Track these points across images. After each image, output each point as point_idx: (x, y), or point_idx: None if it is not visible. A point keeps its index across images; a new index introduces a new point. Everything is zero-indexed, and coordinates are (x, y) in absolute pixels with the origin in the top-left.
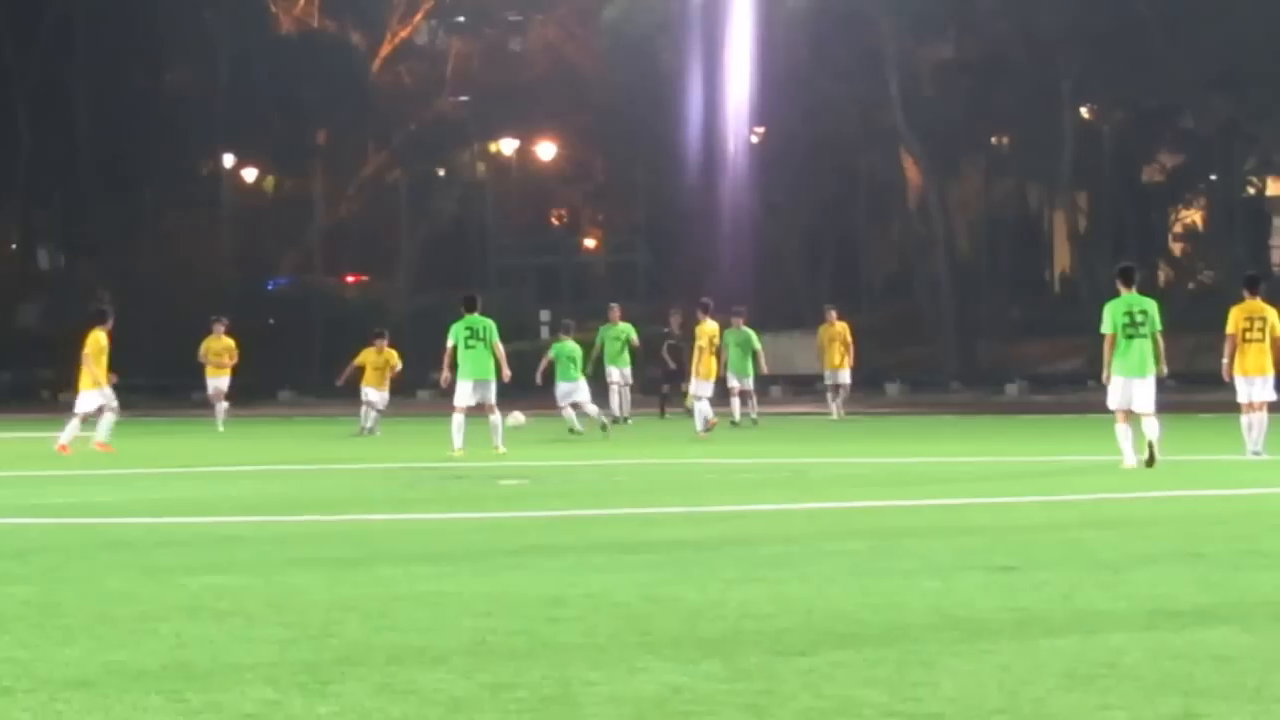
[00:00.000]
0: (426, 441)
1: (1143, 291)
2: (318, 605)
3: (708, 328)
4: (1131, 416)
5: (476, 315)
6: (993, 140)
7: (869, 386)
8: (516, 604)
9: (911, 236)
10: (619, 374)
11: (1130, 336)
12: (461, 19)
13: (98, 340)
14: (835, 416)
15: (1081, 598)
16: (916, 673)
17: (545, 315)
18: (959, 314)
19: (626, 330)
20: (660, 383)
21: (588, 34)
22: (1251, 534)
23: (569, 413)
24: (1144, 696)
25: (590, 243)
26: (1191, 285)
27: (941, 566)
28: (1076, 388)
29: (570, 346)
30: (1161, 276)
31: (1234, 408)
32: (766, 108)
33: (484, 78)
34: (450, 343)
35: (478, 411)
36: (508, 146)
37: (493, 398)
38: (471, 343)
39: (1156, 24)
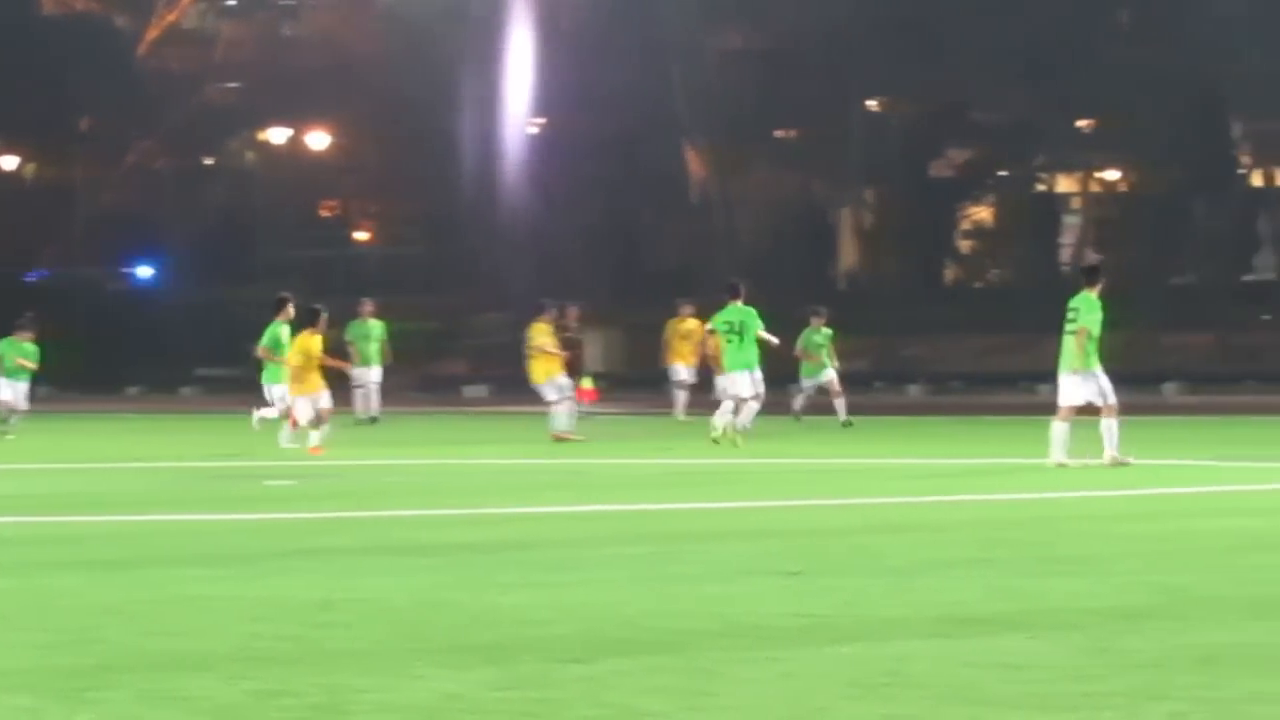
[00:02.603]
0: (193, 440)
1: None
2: (79, 609)
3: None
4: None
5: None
6: (779, 133)
7: (651, 384)
8: (285, 608)
9: (695, 230)
10: (374, 373)
11: (1067, 333)
12: (233, 2)
13: None
14: (680, 419)
15: (868, 604)
16: (698, 681)
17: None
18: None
19: (378, 327)
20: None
21: (364, 21)
22: (1042, 540)
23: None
24: (931, 705)
25: (363, 235)
26: (980, 284)
27: (726, 571)
28: (863, 388)
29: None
30: (949, 274)
31: (1024, 408)
32: (549, 98)
33: (255, 64)
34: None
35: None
36: (279, 135)
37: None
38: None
39: (947, 17)
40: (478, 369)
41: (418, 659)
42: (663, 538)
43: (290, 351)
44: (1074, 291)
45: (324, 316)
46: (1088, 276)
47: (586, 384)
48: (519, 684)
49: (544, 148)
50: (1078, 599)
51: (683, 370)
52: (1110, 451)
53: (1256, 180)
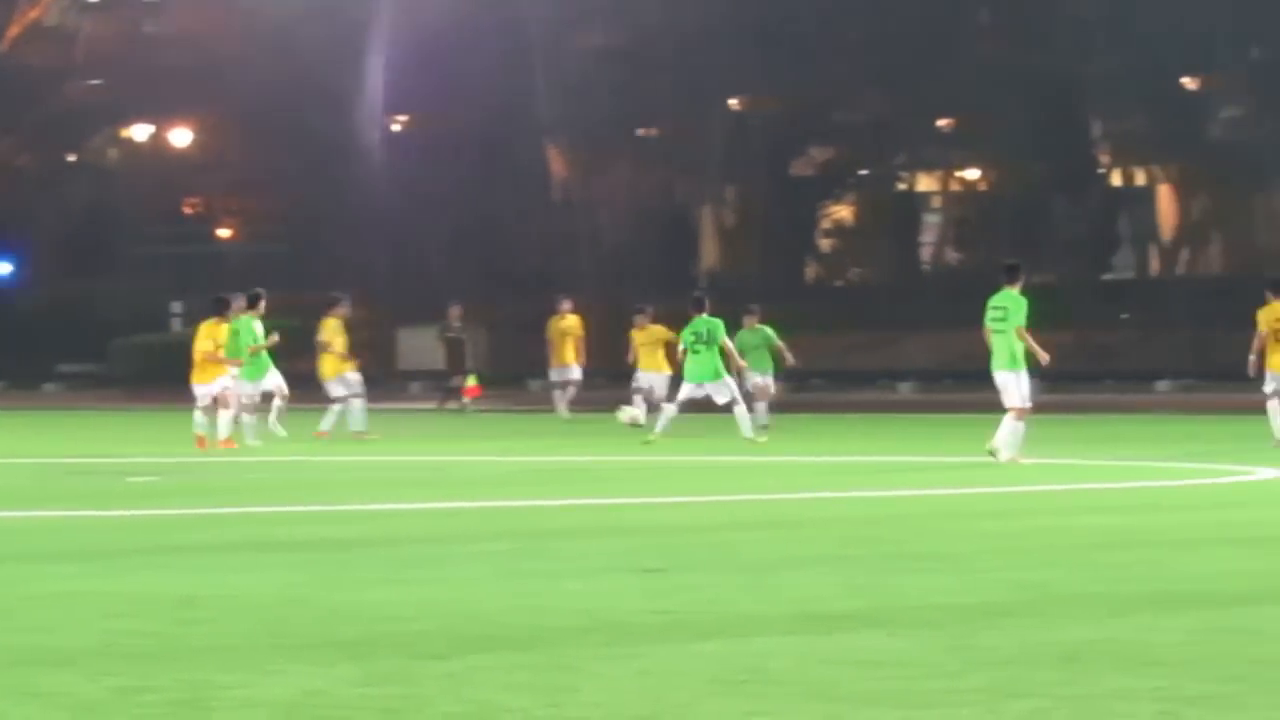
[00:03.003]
0: (54, 436)
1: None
2: None
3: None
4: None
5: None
6: (641, 132)
7: (517, 384)
8: (147, 604)
9: (557, 229)
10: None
11: (994, 332)
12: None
13: None
14: (564, 416)
15: (728, 601)
16: (559, 677)
17: (178, 307)
18: (605, 308)
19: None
20: (451, 375)
21: (227, 18)
22: (902, 537)
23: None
24: (791, 702)
25: (226, 232)
26: (840, 282)
27: (586, 568)
28: None
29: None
30: (810, 273)
31: (884, 406)
32: (411, 95)
33: (117, 61)
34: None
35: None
36: (141, 132)
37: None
38: None
39: (809, 17)
40: None
41: (280, 655)
42: (524, 534)
43: (199, 339)
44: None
45: (263, 301)
46: (1009, 275)
47: (471, 381)
48: (381, 680)
49: (407, 145)
50: (937, 596)
51: (562, 368)
52: (1001, 443)
53: (1116, 180)
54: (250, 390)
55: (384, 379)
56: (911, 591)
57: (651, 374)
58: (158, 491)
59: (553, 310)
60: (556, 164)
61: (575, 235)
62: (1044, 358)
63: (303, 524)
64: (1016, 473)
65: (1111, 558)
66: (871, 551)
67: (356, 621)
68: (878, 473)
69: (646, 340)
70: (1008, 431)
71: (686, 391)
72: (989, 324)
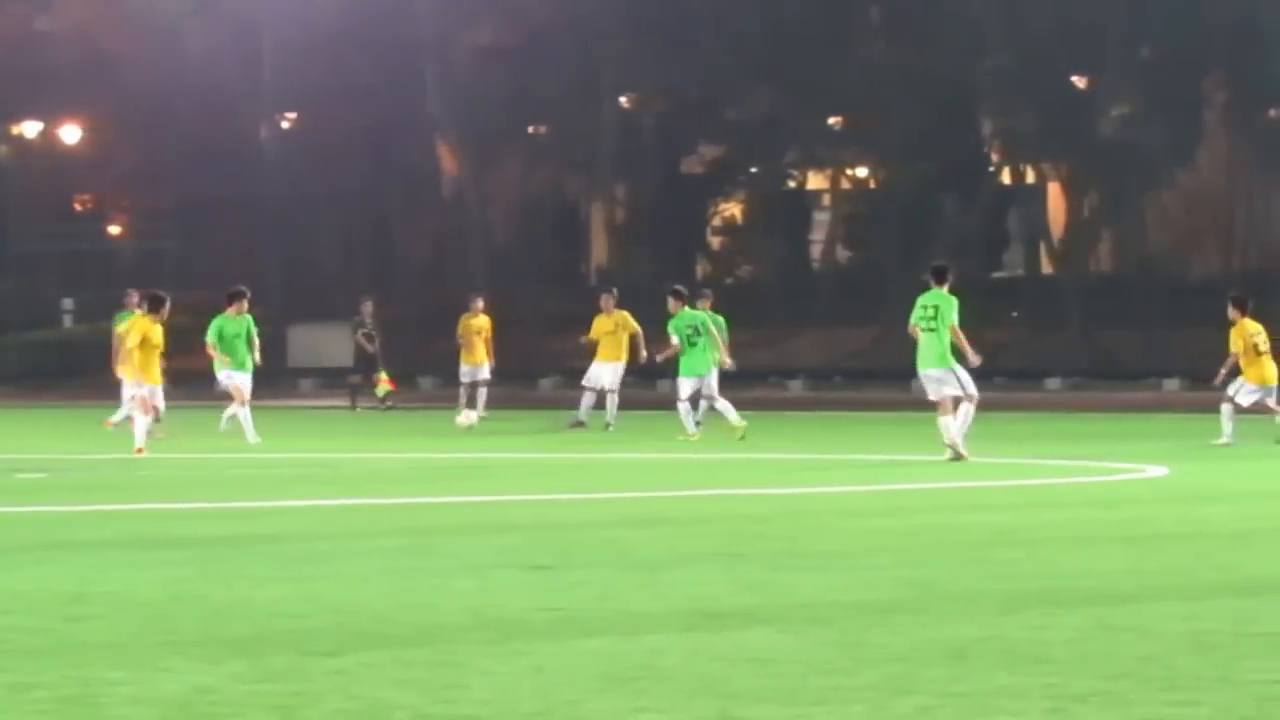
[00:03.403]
0: None
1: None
2: None
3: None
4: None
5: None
6: (531, 129)
7: (401, 380)
8: (36, 601)
9: (448, 226)
10: None
11: (924, 330)
12: None
13: None
14: (478, 416)
15: (618, 598)
16: (449, 674)
17: (69, 304)
18: (495, 306)
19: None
20: (352, 372)
21: (117, 15)
22: (791, 534)
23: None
24: (681, 699)
25: (116, 229)
26: (730, 280)
27: (476, 565)
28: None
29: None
30: (700, 270)
31: (774, 403)
32: (302, 93)
33: (7, 58)
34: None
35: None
36: (31, 129)
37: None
38: None
39: (699, 14)
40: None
41: (170, 651)
42: (413, 531)
43: (131, 334)
44: (923, 289)
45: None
46: (937, 275)
47: (385, 376)
48: (271, 677)
49: (297, 143)
50: (826, 593)
51: (474, 368)
52: (954, 439)
53: (1006, 178)
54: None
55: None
56: (801, 589)
57: (608, 364)
58: (47, 488)
59: (464, 308)
60: (447, 161)
61: (466, 232)
62: (974, 359)
63: (193, 521)
64: (901, 471)
65: (1000, 555)
66: (762, 549)
67: (247, 618)
68: (768, 470)
69: (609, 328)
70: (959, 425)
71: (691, 386)
72: (919, 323)
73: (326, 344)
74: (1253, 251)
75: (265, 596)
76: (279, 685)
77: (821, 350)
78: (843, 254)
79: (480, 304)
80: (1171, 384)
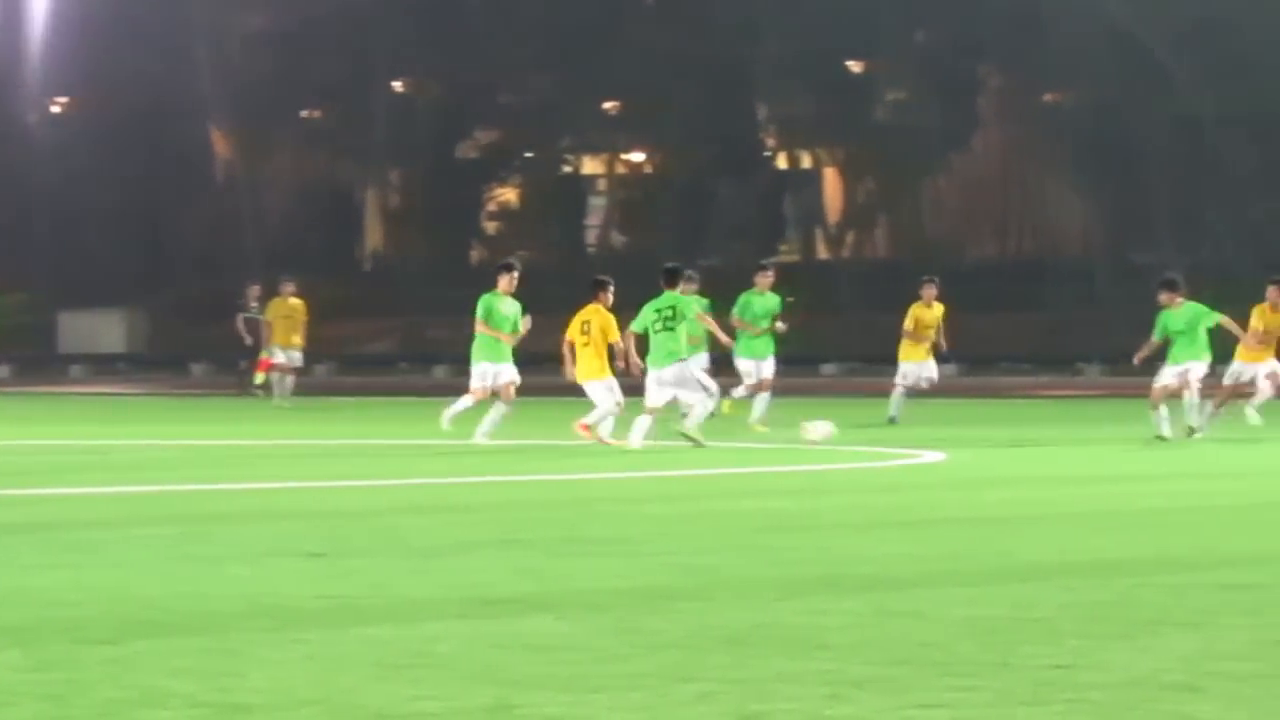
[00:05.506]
0: None
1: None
2: None
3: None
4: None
5: None
6: (304, 114)
7: (175, 366)
8: None
9: (221, 211)
10: None
11: (658, 331)
12: None
13: None
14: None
15: (394, 585)
16: (224, 662)
17: None
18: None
19: None
20: (238, 358)
21: None
22: (570, 521)
23: None
24: (458, 686)
25: None
26: None
27: (251, 553)
28: (388, 369)
29: None
30: (475, 256)
31: (551, 389)
32: (72, 77)
33: None
34: None
35: None
36: None
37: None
38: None
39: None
40: None
41: None
42: (188, 519)
43: None
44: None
45: None
46: (670, 278)
47: (265, 356)
48: (45, 666)
49: (68, 127)
50: (605, 580)
51: (288, 351)
52: (691, 426)
53: (782, 163)
54: None
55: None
56: (580, 575)
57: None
58: None
59: (274, 293)
60: (220, 146)
61: (239, 217)
62: (726, 341)
63: None
64: (681, 457)
65: (779, 541)
66: (541, 535)
67: (19, 606)
68: (544, 456)
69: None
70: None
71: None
72: (652, 326)
73: (98, 330)
74: (1028, 237)
75: (38, 585)
76: (53, 674)
77: None
78: (619, 239)
79: (291, 288)
80: (947, 369)
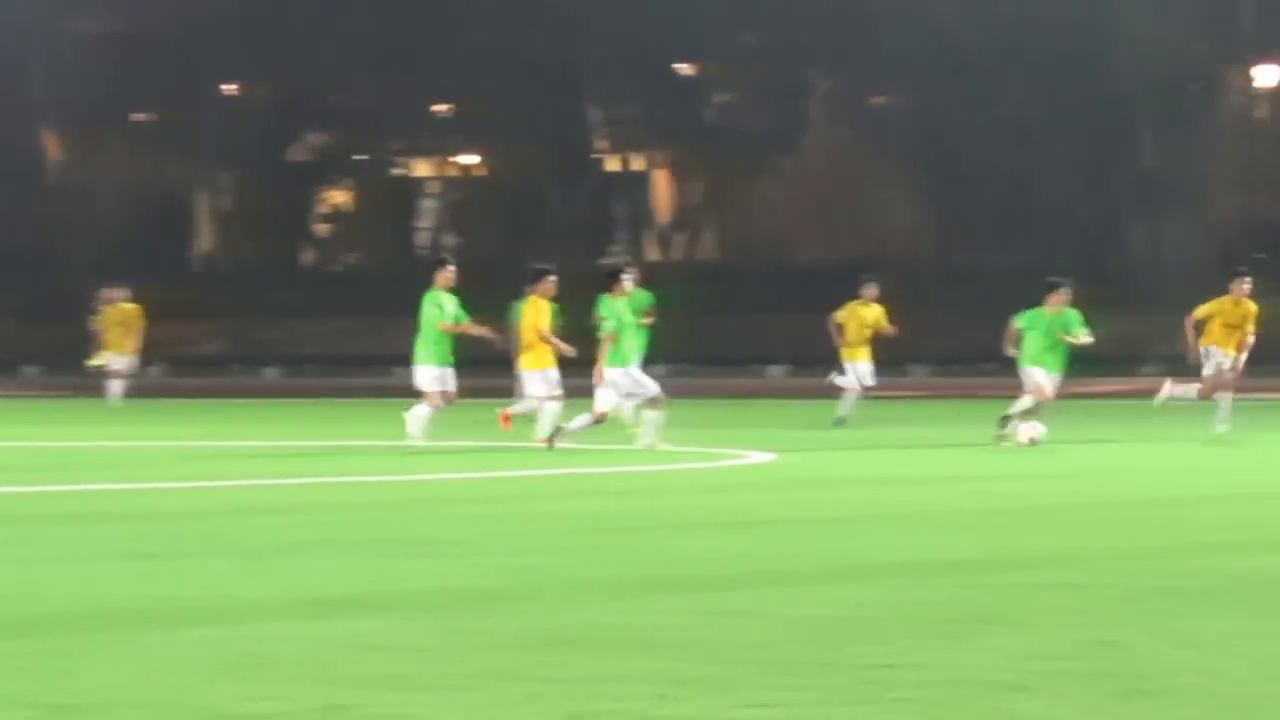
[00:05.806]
0: None
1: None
2: None
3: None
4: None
5: None
6: (136, 117)
7: (6, 368)
8: None
9: (53, 214)
10: None
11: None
12: None
13: None
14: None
15: (223, 586)
16: (54, 663)
17: None
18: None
19: None
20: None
21: None
22: (398, 521)
23: None
24: (288, 687)
25: None
26: (336, 267)
27: (79, 554)
28: (220, 370)
29: None
30: (306, 258)
31: (379, 390)
32: None
33: None
34: None
35: None
36: None
37: None
38: None
39: (304, 3)
40: None
41: None
42: (15, 520)
43: None
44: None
45: None
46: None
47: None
48: None
49: None
50: (434, 580)
51: (122, 356)
52: (649, 437)
53: (612, 165)
54: None
55: None
56: (410, 576)
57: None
58: None
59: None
60: (51, 147)
61: (70, 219)
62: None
63: None
64: (510, 459)
65: (608, 542)
66: (370, 536)
67: None
68: (373, 457)
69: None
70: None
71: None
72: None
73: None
74: (857, 238)
75: None
76: None
77: None
78: (449, 241)
79: (122, 295)
80: (776, 370)
